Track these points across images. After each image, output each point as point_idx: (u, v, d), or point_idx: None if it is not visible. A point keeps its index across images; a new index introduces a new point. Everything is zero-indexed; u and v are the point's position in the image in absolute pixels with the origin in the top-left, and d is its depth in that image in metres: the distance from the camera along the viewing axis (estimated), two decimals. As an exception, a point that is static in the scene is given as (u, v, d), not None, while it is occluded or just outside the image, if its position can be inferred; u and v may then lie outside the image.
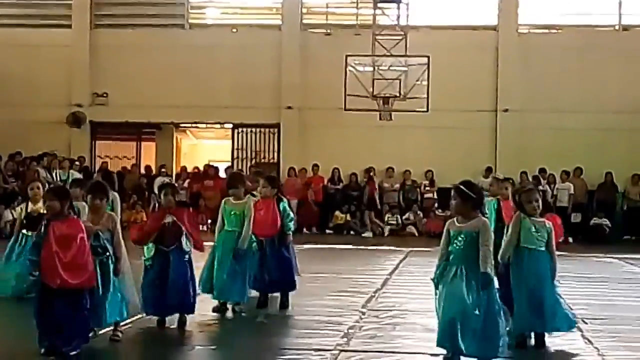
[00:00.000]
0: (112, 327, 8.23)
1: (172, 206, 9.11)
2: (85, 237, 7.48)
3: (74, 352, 7.35)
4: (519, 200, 8.45)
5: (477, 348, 7.15)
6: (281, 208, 10.37)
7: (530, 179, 22.67)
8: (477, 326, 7.14)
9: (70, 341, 7.33)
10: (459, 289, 7.22)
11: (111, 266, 8.01)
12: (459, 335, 7.08)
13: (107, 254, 8.00)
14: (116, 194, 10.52)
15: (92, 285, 7.58)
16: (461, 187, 7.54)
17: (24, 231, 10.74)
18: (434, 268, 7.58)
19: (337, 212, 24.78)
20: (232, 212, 9.99)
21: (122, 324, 8.36)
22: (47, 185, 10.86)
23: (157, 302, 8.85)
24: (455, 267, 7.37)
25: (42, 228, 7.45)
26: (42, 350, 7.34)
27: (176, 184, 19.40)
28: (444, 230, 7.57)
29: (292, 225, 10.63)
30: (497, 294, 7.43)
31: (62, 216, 7.50)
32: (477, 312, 7.13)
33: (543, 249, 8.26)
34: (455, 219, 7.53)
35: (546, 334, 8.32)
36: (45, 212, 8.09)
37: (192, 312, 9.08)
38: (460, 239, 7.39)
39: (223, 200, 10.26)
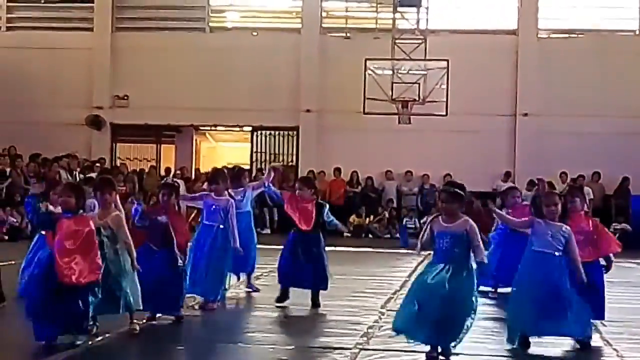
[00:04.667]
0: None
1: (167, 207, 9.16)
2: (94, 232, 7.66)
3: (79, 343, 7.65)
4: (538, 204, 8.45)
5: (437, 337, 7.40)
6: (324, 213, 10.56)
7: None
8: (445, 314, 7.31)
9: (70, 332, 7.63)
10: (440, 279, 7.39)
11: (105, 263, 8.04)
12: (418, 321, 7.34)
13: (104, 250, 8.08)
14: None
15: (98, 281, 7.71)
16: (453, 188, 7.65)
17: (43, 232, 10.83)
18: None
19: (352, 216, 24.77)
20: (213, 207, 10.06)
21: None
22: None
23: (143, 299, 8.75)
24: (442, 265, 7.50)
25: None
26: (43, 343, 7.53)
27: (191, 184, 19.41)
28: (427, 228, 7.65)
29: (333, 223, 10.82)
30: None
31: (74, 213, 7.65)
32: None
33: (559, 253, 8.18)
34: (439, 218, 7.60)
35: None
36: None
37: (177, 312, 9.16)
38: (447, 239, 7.49)
39: (204, 195, 10.41)
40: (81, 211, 7.80)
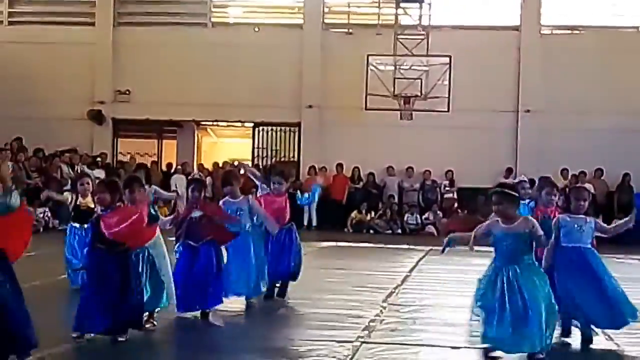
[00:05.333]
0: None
1: (198, 202, 9.16)
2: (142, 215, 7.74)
3: (122, 338, 7.63)
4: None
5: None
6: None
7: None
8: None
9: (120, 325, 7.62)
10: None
11: (148, 258, 8.17)
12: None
13: (145, 247, 8.16)
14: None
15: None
16: (505, 190, 7.56)
17: (74, 224, 10.90)
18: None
19: (354, 213, 24.78)
20: (238, 212, 9.80)
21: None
22: (69, 181, 11.03)
23: (185, 298, 8.85)
24: (504, 269, 7.39)
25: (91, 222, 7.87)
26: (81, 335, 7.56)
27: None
28: (484, 230, 7.55)
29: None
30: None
31: (112, 208, 7.73)
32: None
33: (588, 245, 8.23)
34: (498, 220, 7.51)
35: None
36: (95, 206, 8.34)
37: (217, 304, 9.17)
38: (509, 240, 7.41)
39: (222, 201, 10.15)
40: (119, 204, 7.80)
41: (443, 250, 7.59)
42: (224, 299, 9.33)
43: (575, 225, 8.17)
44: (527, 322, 7.16)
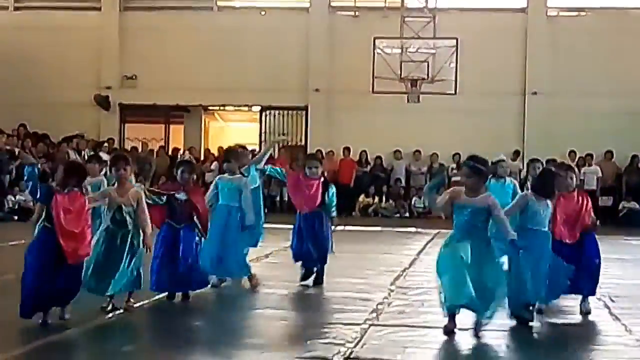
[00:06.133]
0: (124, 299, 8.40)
1: (186, 184, 9.18)
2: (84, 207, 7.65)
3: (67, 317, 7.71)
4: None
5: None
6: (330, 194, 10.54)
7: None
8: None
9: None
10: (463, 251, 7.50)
11: (129, 239, 8.16)
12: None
13: (128, 227, 8.17)
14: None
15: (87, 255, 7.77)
16: (474, 162, 7.63)
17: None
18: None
19: (361, 197, 24.81)
20: (227, 187, 9.97)
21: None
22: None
23: (166, 278, 8.89)
24: (460, 238, 7.57)
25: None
26: (40, 321, 7.53)
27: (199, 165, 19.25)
28: (447, 198, 7.66)
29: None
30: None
31: (66, 190, 7.61)
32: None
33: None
34: (461, 190, 7.63)
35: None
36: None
37: (202, 287, 9.24)
38: (466, 212, 7.54)
39: (217, 177, 10.31)
40: (75, 189, 7.67)
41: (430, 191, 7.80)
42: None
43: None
44: (484, 290, 7.41)
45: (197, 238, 9.13)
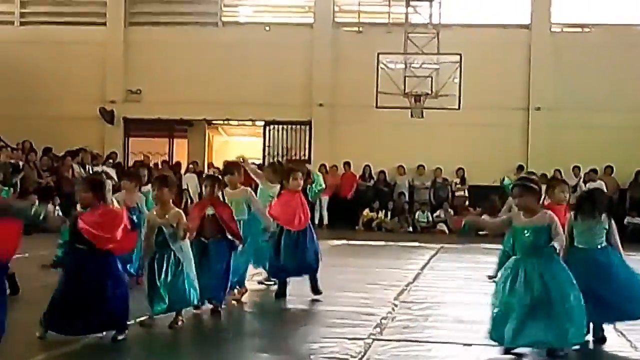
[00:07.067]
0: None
1: (213, 199, 9.20)
2: (123, 216, 7.58)
3: (121, 337, 7.59)
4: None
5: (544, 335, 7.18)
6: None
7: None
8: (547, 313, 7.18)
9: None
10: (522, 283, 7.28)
11: (172, 259, 8.18)
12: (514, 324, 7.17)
13: (170, 248, 8.20)
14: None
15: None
16: (526, 182, 7.64)
17: None
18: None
19: (366, 211, 24.83)
20: (233, 201, 9.88)
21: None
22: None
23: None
24: (522, 262, 7.41)
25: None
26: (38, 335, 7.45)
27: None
28: (505, 218, 7.67)
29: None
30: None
31: (94, 207, 7.54)
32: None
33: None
34: (520, 213, 7.55)
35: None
36: None
37: (220, 301, 9.20)
38: (527, 233, 7.44)
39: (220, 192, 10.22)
40: (101, 203, 7.57)
41: (461, 233, 7.71)
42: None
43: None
44: (550, 313, 7.15)
45: (225, 252, 9.10)
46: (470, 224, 7.79)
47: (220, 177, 9.85)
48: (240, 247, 9.26)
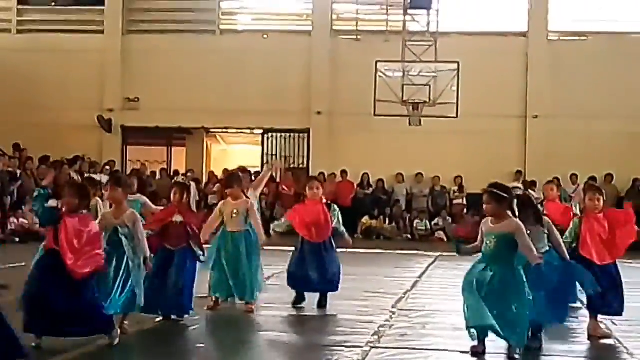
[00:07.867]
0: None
1: (181, 206, 9.19)
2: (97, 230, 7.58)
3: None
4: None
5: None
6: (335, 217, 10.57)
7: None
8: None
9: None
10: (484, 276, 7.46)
11: (125, 260, 8.03)
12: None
13: (123, 249, 8.09)
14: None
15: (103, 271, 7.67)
16: (493, 190, 7.67)
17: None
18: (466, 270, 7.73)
19: (364, 218, 24.82)
20: (234, 213, 9.97)
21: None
22: None
23: (153, 300, 8.71)
24: (484, 265, 7.55)
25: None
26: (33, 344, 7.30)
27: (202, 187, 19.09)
28: (480, 229, 7.71)
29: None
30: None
31: (77, 212, 7.52)
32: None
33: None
34: (489, 219, 7.65)
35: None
36: None
37: (187, 314, 9.16)
38: (491, 240, 7.53)
39: (222, 202, 10.26)
40: (84, 211, 7.61)
41: (459, 252, 7.79)
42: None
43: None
44: (510, 315, 7.35)
45: (190, 262, 9.08)
46: (466, 251, 7.88)
47: (187, 184, 9.88)
48: (203, 259, 9.20)
